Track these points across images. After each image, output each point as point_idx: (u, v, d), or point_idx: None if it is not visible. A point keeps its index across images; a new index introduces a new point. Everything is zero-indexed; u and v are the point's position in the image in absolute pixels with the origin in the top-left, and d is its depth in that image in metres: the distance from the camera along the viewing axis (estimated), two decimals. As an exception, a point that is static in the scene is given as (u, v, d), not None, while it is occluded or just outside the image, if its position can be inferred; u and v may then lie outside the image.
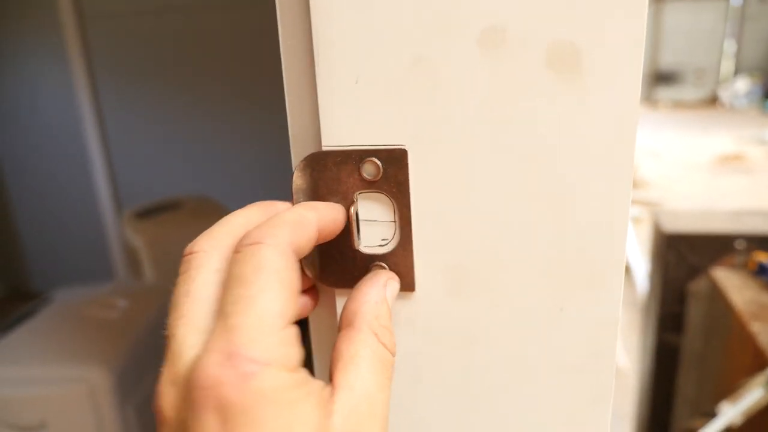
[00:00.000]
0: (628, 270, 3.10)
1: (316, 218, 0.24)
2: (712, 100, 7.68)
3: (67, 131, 1.70)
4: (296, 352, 0.21)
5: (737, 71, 7.71)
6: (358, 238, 0.27)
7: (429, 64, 0.25)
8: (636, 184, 4.58)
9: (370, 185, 0.26)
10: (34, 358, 1.12)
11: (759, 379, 0.79)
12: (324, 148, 0.27)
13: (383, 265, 0.27)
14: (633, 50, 0.23)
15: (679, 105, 7.68)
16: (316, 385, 0.21)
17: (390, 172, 0.26)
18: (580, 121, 0.24)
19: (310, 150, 0.28)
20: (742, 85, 7.47)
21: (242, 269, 0.21)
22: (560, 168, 0.25)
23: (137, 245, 1.62)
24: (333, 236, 0.26)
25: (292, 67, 0.27)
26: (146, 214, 1.73)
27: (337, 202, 0.26)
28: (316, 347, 0.32)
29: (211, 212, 1.67)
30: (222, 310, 0.21)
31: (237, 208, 0.25)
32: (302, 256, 0.23)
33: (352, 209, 0.26)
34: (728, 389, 0.90)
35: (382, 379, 0.23)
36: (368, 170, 0.26)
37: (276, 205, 0.26)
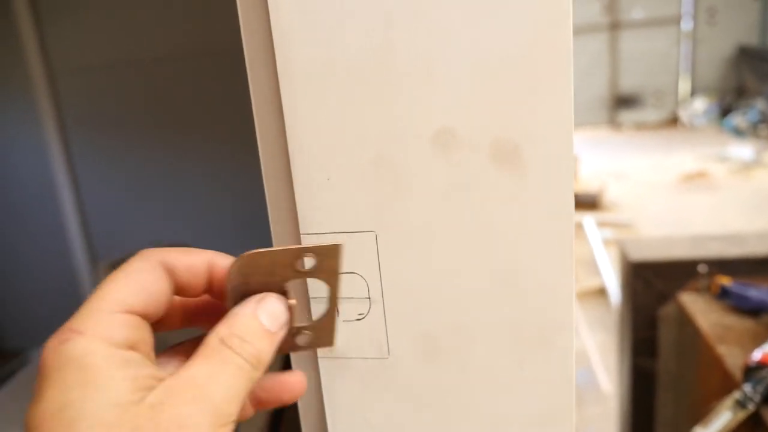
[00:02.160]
0: (605, 293, 3.16)
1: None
2: (673, 121, 7.96)
3: (40, 187, 1.70)
4: (131, 335, 0.23)
5: (694, 91, 8.04)
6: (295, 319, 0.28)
7: (391, 162, 0.28)
8: (605, 207, 4.70)
9: (304, 275, 0.27)
10: (14, 423, 1.11)
11: (726, 403, 0.83)
12: (302, 235, 0.30)
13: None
14: (564, 143, 0.27)
15: (641, 126, 7.94)
16: (146, 369, 0.22)
17: (325, 264, 0.26)
18: (522, 206, 0.28)
19: (291, 235, 0.31)
20: (700, 104, 7.77)
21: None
22: (509, 246, 0.28)
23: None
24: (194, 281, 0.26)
25: (270, 169, 0.30)
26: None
27: (270, 289, 0.26)
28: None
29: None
30: None
31: None
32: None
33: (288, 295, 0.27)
34: (703, 410, 0.94)
35: (215, 369, 0.23)
36: (304, 264, 0.26)
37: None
